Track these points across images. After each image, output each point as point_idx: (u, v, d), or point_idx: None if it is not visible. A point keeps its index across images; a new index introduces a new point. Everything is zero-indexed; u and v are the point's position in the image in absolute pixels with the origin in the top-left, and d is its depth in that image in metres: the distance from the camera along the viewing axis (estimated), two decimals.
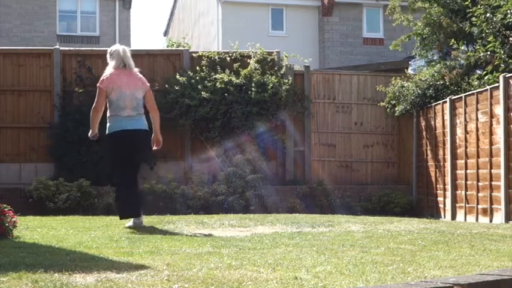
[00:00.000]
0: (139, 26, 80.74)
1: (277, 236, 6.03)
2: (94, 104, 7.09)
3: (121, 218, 7.15)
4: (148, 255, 4.61)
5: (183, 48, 14.64)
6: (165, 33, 33.47)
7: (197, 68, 12.63)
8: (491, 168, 9.64)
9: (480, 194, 10.00)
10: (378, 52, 23.27)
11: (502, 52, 10.24)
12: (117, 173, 7.09)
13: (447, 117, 11.26)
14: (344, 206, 11.85)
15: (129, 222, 7.05)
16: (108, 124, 7.07)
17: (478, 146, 10.12)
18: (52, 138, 12.19)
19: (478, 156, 10.11)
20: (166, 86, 12.46)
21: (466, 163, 10.50)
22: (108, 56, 7.28)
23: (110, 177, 7.24)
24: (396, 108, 12.82)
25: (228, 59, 12.86)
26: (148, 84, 7.28)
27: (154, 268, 3.94)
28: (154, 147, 7.27)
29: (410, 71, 14.18)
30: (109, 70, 7.11)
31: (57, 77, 12.41)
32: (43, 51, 13.04)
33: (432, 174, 11.99)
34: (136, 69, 7.33)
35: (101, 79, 7.08)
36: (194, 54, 13.00)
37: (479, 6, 10.83)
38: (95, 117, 7.10)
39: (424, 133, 12.40)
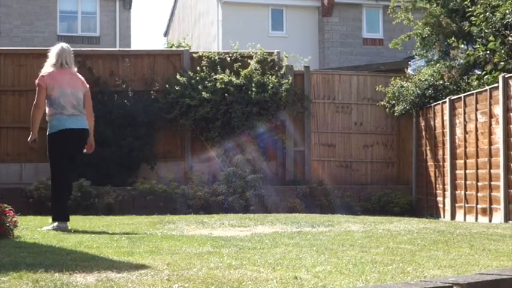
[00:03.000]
0: (140, 26, 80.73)
1: (277, 236, 6.04)
2: (35, 102, 6.90)
3: (54, 220, 6.84)
4: (149, 254, 4.62)
5: (183, 49, 14.66)
6: (165, 34, 33.46)
7: (197, 68, 12.64)
8: (490, 168, 9.65)
9: (479, 194, 10.01)
10: (378, 52, 23.27)
11: (502, 52, 10.24)
12: (59, 172, 6.94)
13: (447, 117, 11.27)
14: (344, 206, 11.86)
15: (49, 225, 6.82)
16: (50, 123, 6.91)
17: (477, 146, 10.13)
18: None
19: (477, 156, 10.12)
20: (167, 86, 12.48)
21: (465, 163, 10.51)
22: (50, 54, 7.08)
23: (53, 177, 6.98)
24: (396, 109, 12.84)
25: (228, 59, 12.87)
26: (87, 85, 7.16)
27: (155, 268, 3.95)
28: (85, 151, 7.15)
29: (410, 71, 14.18)
30: (48, 68, 6.97)
31: None
32: (44, 51, 12.89)
33: (432, 174, 12.00)
34: (75, 69, 7.16)
35: (40, 76, 6.93)
36: (194, 55, 13.02)
37: (478, 6, 10.84)
38: (36, 115, 6.91)
39: (423, 133, 12.41)
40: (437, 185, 11.77)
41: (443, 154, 11.46)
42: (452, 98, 11.21)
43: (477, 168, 10.09)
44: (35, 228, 6.84)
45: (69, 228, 6.78)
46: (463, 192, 10.57)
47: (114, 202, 11.30)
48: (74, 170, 7.10)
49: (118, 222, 7.67)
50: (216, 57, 12.83)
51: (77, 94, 6.94)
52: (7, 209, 5.93)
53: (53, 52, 7.02)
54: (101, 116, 12.01)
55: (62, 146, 6.88)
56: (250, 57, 12.89)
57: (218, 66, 12.64)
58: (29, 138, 7.03)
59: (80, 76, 7.17)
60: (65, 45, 7.13)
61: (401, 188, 12.88)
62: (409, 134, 13.04)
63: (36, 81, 6.95)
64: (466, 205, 10.46)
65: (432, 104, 12.00)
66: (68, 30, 24.81)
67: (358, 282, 3.51)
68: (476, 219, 10.02)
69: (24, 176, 12.16)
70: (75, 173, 7.08)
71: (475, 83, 11.31)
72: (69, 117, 6.86)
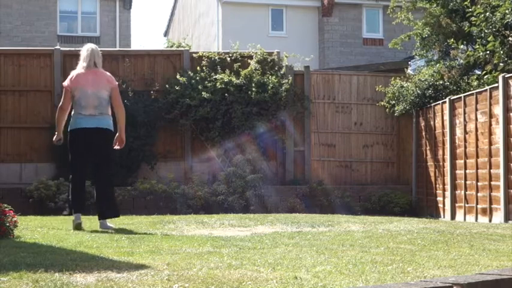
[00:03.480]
0: (140, 26, 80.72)
1: (277, 236, 6.04)
2: (60, 103, 7.15)
3: (69, 214, 7.13)
4: (149, 254, 4.62)
5: (183, 49, 14.66)
6: (165, 34, 33.47)
7: (197, 68, 12.65)
8: (490, 168, 9.65)
9: (479, 194, 10.01)
10: (378, 52, 23.27)
11: (501, 52, 10.24)
12: (72, 168, 7.12)
13: (446, 117, 11.27)
14: (344, 206, 11.86)
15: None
16: (70, 122, 7.11)
17: (477, 146, 10.13)
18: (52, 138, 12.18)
19: (477, 156, 10.12)
20: (167, 86, 12.48)
21: (465, 163, 10.51)
22: (80, 55, 7.21)
23: (71, 171, 7.18)
24: (396, 109, 12.84)
25: (228, 59, 12.87)
26: (116, 83, 7.22)
27: (155, 268, 3.95)
28: (117, 147, 7.19)
29: (409, 71, 14.19)
30: (78, 69, 7.13)
31: (58, 77, 12.42)
32: (44, 51, 13.06)
33: (432, 174, 12.01)
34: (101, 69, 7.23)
35: (67, 79, 7.15)
36: (194, 55, 13.02)
37: (478, 6, 10.83)
38: (60, 116, 7.13)
39: (423, 133, 12.41)
40: (437, 185, 11.77)
41: (443, 154, 11.46)
42: (452, 98, 11.21)
43: (477, 168, 10.09)
44: (34, 228, 6.84)
45: (79, 221, 6.92)
46: (463, 192, 10.57)
47: None
48: (105, 168, 7.12)
49: (118, 222, 7.67)
50: (216, 57, 12.83)
51: (99, 93, 7.01)
52: (7, 209, 5.93)
53: (83, 53, 7.16)
54: None
55: (74, 145, 7.05)
56: (250, 57, 12.90)
57: (218, 66, 12.65)
58: (54, 138, 7.21)
59: (107, 75, 7.17)
60: (93, 46, 7.27)
61: (401, 188, 12.88)
62: (409, 134, 13.05)
63: (63, 83, 7.18)
64: (466, 205, 10.46)
65: (432, 104, 12.00)
66: (68, 30, 24.80)
67: (358, 282, 3.51)
68: (476, 219, 10.02)
69: (24, 176, 12.17)
70: (108, 170, 7.16)
71: (475, 83, 11.31)
72: (85, 117, 6.99)
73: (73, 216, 7.02)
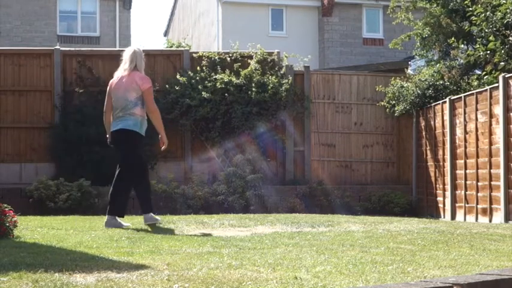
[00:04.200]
0: (140, 26, 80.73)
1: (277, 236, 6.03)
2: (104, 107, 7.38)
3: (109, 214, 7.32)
4: (149, 255, 4.62)
5: (183, 49, 14.65)
6: (165, 34, 33.46)
7: (197, 68, 12.64)
8: (490, 168, 9.65)
9: (480, 194, 10.01)
10: (378, 52, 23.27)
11: (502, 52, 10.24)
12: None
13: (447, 117, 11.27)
14: (344, 206, 11.86)
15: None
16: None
17: (477, 146, 10.13)
18: (52, 138, 12.20)
19: (477, 156, 10.12)
20: (167, 86, 12.48)
21: (465, 163, 10.51)
22: (123, 57, 7.36)
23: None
24: (396, 109, 12.83)
25: (228, 59, 12.87)
26: (149, 85, 7.18)
27: (155, 268, 3.95)
28: (163, 148, 7.43)
29: (410, 71, 14.18)
30: (119, 72, 7.29)
31: (58, 77, 12.42)
32: (43, 51, 13.05)
33: (432, 174, 12.00)
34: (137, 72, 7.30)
35: (110, 82, 7.36)
36: (194, 55, 13.01)
37: (478, 6, 10.83)
38: (105, 119, 7.36)
39: (423, 133, 12.41)
40: (437, 185, 11.77)
41: (444, 154, 11.45)
42: (452, 98, 11.21)
43: (477, 168, 10.09)
44: (34, 228, 6.84)
45: (122, 224, 7.13)
46: (463, 192, 10.57)
47: None
48: (123, 167, 7.32)
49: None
50: (216, 57, 12.83)
51: (126, 96, 7.09)
52: (7, 209, 5.93)
53: (125, 56, 7.25)
54: (101, 116, 12.00)
55: (114, 147, 7.33)
56: (250, 57, 12.89)
57: (218, 66, 12.64)
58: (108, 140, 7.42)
59: (138, 78, 7.15)
60: (135, 48, 7.37)
61: (401, 188, 12.88)
62: (409, 134, 13.04)
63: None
64: (466, 205, 10.46)
65: (432, 104, 11.99)
66: (68, 30, 24.81)
67: (358, 282, 3.51)
68: (477, 219, 10.02)
69: (24, 176, 12.16)
70: (125, 171, 7.34)
71: (475, 83, 11.31)
72: (115, 119, 7.17)
73: (105, 218, 7.24)
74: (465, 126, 10.59)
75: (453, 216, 10.90)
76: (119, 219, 7.17)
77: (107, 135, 7.36)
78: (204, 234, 6.43)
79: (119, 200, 7.23)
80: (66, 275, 3.67)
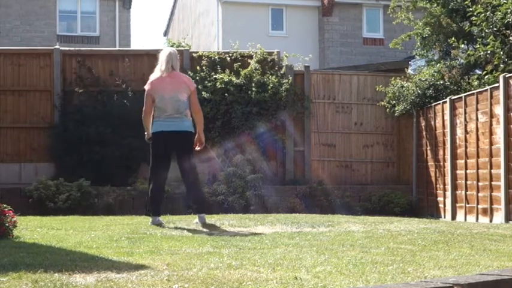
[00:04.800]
0: (139, 26, 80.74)
1: (277, 236, 6.02)
2: (143, 107, 7.35)
3: (146, 214, 7.49)
4: (149, 255, 4.61)
5: (183, 48, 14.63)
6: (165, 33, 33.47)
7: (197, 68, 12.63)
8: (491, 168, 9.64)
9: (480, 194, 10.00)
10: (378, 52, 23.27)
11: (502, 52, 10.23)
12: (153, 171, 7.31)
13: (447, 117, 11.26)
14: (344, 206, 11.85)
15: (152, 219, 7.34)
16: (153, 125, 7.32)
17: (478, 146, 10.12)
18: (52, 138, 12.19)
19: (478, 156, 10.11)
20: None
21: (466, 163, 10.50)
22: (159, 58, 7.41)
23: (151, 173, 7.43)
24: (396, 108, 12.82)
25: (228, 59, 12.86)
26: (195, 85, 7.45)
27: (155, 268, 3.94)
28: (197, 148, 7.44)
29: (410, 71, 14.18)
30: (156, 73, 7.34)
31: (58, 77, 12.41)
32: (43, 51, 13.04)
33: (432, 174, 11.99)
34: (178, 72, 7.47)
35: (148, 83, 7.35)
36: (194, 54, 13.00)
37: (479, 6, 10.82)
38: (145, 120, 7.36)
39: (424, 133, 12.40)
40: (437, 185, 11.76)
41: (444, 154, 11.45)
42: (452, 97, 11.20)
43: (478, 168, 10.08)
44: (34, 229, 6.83)
45: (162, 222, 7.28)
46: (463, 192, 10.56)
47: (114, 202, 11.30)
48: (189, 169, 7.37)
49: (118, 222, 7.66)
50: (216, 57, 12.82)
51: (177, 97, 7.18)
52: (6, 209, 5.92)
53: (161, 57, 7.32)
54: (100, 116, 12.06)
55: (156, 148, 7.26)
56: (250, 57, 12.88)
57: (218, 66, 12.63)
58: (145, 137, 7.44)
59: (185, 78, 7.42)
60: (171, 49, 7.48)
61: (401, 188, 12.87)
62: (409, 134, 13.03)
63: (145, 87, 7.37)
64: (467, 205, 10.45)
65: (433, 104, 11.98)
66: (68, 30, 24.81)
67: (359, 282, 3.50)
68: (477, 219, 10.01)
69: (24, 176, 12.15)
70: (192, 171, 7.43)
71: (476, 82, 11.30)
72: (165, 120, 7.20)
73: (150, 219, 7.32)
74: (465, 126, 10.58)
75: (453, 217, 10.89)
76: (159, 218, 7.40)
77: (149, 136, 7.35)
78: (204, 234, 6.42)
79: (202, 196, 7.49)
80: (66, 275, 3.66)
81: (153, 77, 7.33)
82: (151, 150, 7.33)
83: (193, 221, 7.58)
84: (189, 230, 6.78)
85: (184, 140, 7.24)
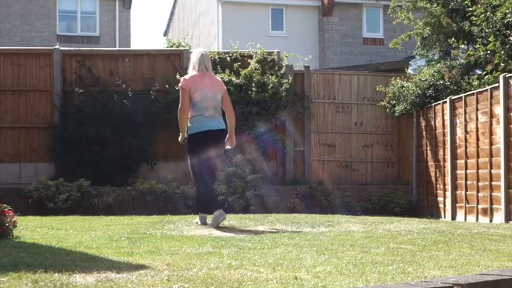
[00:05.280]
0: (139, 26, 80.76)
1: (277, 236, 6.02)
2: (180, 106, 7.22)
3: (200, 213, 7.44)
4: (148, 255, 4.61)
5: (183, 48, 14.64)
6: (165, 33, 33.47)
7: None
8: (491, 168, 9.64)
9: (480, 194, 10.00)
10: (378, 52, 23.27)
11: (502, 52, 10.23)
12: (199, 171, 7.28)
13: (447, 117, 11.26)
14: (344, 206, 11.84)
15: (197, 218, 7.45)
16: (191, 125, 7.21)
17: (478, 146, 10.12)
18: (52, 138, 12.19)
19: (478, 156, 10.11)
20: (167, 86, 12.45)
21: (466, 163, 10.50)
22: (191, 59, 7.45)
23: (194, 174, 7.42)
24: (396, 108, 12.82)
25: (228, 59, 12.85)
26: (225, 87, 7.56)
27: (155, 268, 3.94)
28: (228, 147, 7.47)
29: (410, 71, 14.17)
30: (190, 72, 7.36)
31: (57, 77, 12.41)
32: (43, 51, 13.04)
33: (432, 174, 11.99)
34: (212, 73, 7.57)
35: (183, 79, 7.29)
36: None
37: (479, 6, 10.82)
38: (183, 118, 7.24)
39: (424, 133, 12.40)
40: (437, 185, 11.76)
41: (444, 154, 11.44)
42: (452, 97, 11.20)
43: (478, 168, 10.08)
44: (34, 229, 6.83)
45: (205, 222, 7.27)
46: (463, 192, 10.56)
47: (114, 202, 11.30)
48: (215, 168, 7.53)
49: (118, 222, 7.66)
50: (216, 57, 12.81)
51: (216, 96, 7.27)
52: (6, 209, 5.92)
53: (194, 58, 7.38)
54: (100, 116, 12.05)
55: (201, 146, 7.19)
56: (250, 57, 12.88)
57: (218, 66, 12.62)
58: (179, 139, 7.38)
59: (218, 79, 7.63)
60: (203, 50, 7.51)
61: (401, 188, 12.86)
62: (409, 134, 13.03)
63: (180, 84, 7.30)
64: (467, 205, 10.45)
65: (433, 104, 11.98)
66: (68, 30, 24.81)
67: (359, 282, 3.50)
68: (477, 219, 10.01)
69: (24, 176, 12.15)
70: (216, 171, 7.65)
71: (476, 82, 11.30)
72: (208, 118, 7.20)
73: (197, 216, 7.41)
74: (465, 126, 10.58)
75: (453, 217, 10.89)
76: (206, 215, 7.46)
77: (183, 137, 7.31)
78: (204, 235, 6.42)
79: (208, 197, 7.47)
80: (66, 275, 3.66)
81: (188, 75, 7.32)
82: (191, 150, 7.26)
83: (193, 220, 7.58)
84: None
85: (221, 138, 7.32)
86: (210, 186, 7.44)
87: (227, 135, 7.40)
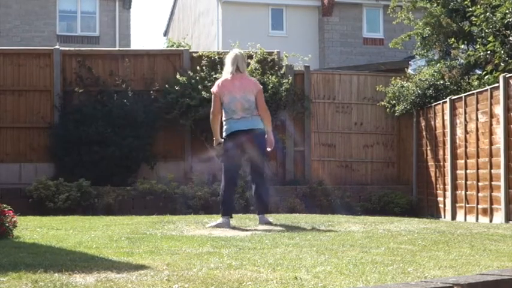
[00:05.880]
0: (139, 26, 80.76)
1: (277, 236, 6.02)
2: (211, 109, 7.39)
3: (222, 215, 7.34)
4: (148, 255, 4.61)
5: (183, 48, 14.64)
6: (165, 33, 33.47)
7: (197, 68, 12.62)
8: (491, 168, 9.63)
9: (480, 194, 10.00)
10: (378, 52, 23.26)
11: (502, 52, 10.23)
12: (226, 172, 7.34)
13: (447, 117, 11.26)
14: (344, 206, 11.84)
15: (214, 221, 7.32)
16: (224, 127, 7.34)
17: (478, 146, 10.12)
18: (52, 138, 12.19)
19: (478, 156, 10.10)
20: (167, 86, 12.45)
21: (466, 163, 10.49)
22: (225, 61, 7.53)
23: (224, 176, 7.43)
24: (396, 108, 12.82)
25: None
26: (261, 87, 7.53)
27: (154, 268, 3.94)
28: (268, 148, 7.49)
29: (410, 71, 14.17)
30: (224, 75, 7.46)
31: (57, 77, 12.41)
32: (43, 51, 13.04)
33: (432, 174, 11.99)
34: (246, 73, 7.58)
35: (215, 85, 7.43)
36: (194, 54, 12.99)
37: (478, 6, 10.82)
38: (214, 122, 7.39)
39: (424, 133, 12.40)
40: (437, 185, 11.76)
41: (444, 154, 11.44)
42: (452, 97, 11.20)
43: (478, 168, 10.08)
44: (34, 229, 6.83)
45: (231, 223, 7.24)
46: (463, 192, 10.55)
47: (114, 202, 11.30)
48: (261, 166, 7.44)
49: (118, 222, 7.66)
50: (216, 57, 12.80)
51: (247, 97, 7.29)
52: (6, 209, 5.92)
53: (227, 60, 7.46)
54: (100, 116, 12.04)
55: (229, 149, 7.27)
56: (250, 57, 12.86)
57: (218, 66, 12.62)
58: (214, 143, 7.50)
59: (251, 79, 7.64)
60: (237, 51, 7.56)
61: (401, 188, 12.86)
62: (409, 134, 13.03)
63: (211, 89, 7.46)
64: (467, 205, 10.45)
65: (433, 104, 11.98)
66: (68, 30, 24.81)
67: (359, 282, 3.50)
68: (477, 219, 10.01)
69: (24, 176, 12.14)
70: (263, 169, 7.52)
71: (476, 82, 11.29)
72: (238, 120, 7.26)
73: (221, 219, 7.23)
74: (465, 126, 10.58)
75: (453, 217, 10.89)
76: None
77: (217, 141, 7.37)
78: (204, 235, 6.42)
79: (265, 197, 7.46)
80: (66, 275, 3.66)
81: (220, 79, 7.44)
82: (225, 151, 7.33)
83: (192, 220, 7.57)
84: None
85: (257, 138, 7.30)
86: (260, 190, 7.37)
87: (265, 135, 7.43)
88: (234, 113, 7.24)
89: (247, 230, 6.91)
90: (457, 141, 10.92)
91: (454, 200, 10.95)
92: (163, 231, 6.69)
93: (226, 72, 7.40)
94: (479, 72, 11.68)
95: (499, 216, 9.32)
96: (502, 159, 9.23)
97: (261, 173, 7.41)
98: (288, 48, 15.17)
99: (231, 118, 7.26)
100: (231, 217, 7.34)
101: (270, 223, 7.32)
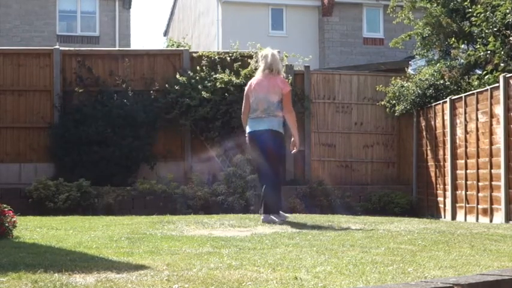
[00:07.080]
0: (139, 26, 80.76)
1: (277, 236, 6.02)
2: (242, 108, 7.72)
3: (264, 213, 7.49)
4: (148, 255, 4.61)
5: (183, 48, 14.64)
6: (165, 33, 33.47)
7: (197, 68, 12.62)
8: (491, 168, 9.63)
9: (480, 194, 9.99)
10: (378, 52, 23.27)
11: (502, 52, 10.23)
12: (256, 169, 7.69)
13: (447, 117, 11.26)
14: (344, 206, 11.84)
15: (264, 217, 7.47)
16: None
17: (478, 146, 10.11)
18: (52, 138, 12.18)
19: (478, 156, 10.10)
20: (167, 86, 12.45)
21: (466, 163, 10.49)
22: (258, 58, 7.73)
23: (257, 173, 7.78)
24: (396, 108, 12.82)
25: (228, 59, 12.85)
26: (289, 88, 7.57)
27: (154, 268, 3.94)
28: (294, 151, 7.60)
29: (410, 70, 14.17)
30: (256, 74, 7.66)
31: (57, 77, 12.41)
32: (43, 51, 13.04)
33: (432, 174, 11.99)
34: (282, 74, 7.79)
35: (248, 83, 7.67)
36: (194, 54, 12.99)
37: (478, 6, 10.82)
38: (243, 120, 7.73)
39: (424, 133, 12.40)
40: (437, 185, 11.76)
41: (444, 154, 11.44)
42: (452, 97, 11.19)
43: (478, 168, 10.08)
44: (34, 229, 6.82)
45: (275, 219, 7.39)
46: (463, 192, 10.55)
47: (114, 202, 11.29)
48: (274, 167, 7.45)
49: (118, 223, 7.65)
50: (216, 57, 12.81)
51: (269, 98, 7.40)
52: (6, 209, 5.92)
53: (260, 59, 7.68)
54: (100, 116, 12.04)
55: (251, 147, 7.61)
56: (250, 57, 12.86)
57: (218, 66, 12.62)
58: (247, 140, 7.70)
59: (279, 81, 7.56)
60: (271, 51, 7.70)
61: (401, 188, 12.86)
62: (409, 134, 13.03)
63: (245, 88, 7.73)
64: (467, 205, 10.45)
65: (433, 104, 11.98)
66: (68, 30, 24.81)
67: (359, 282, 3.50)
68: (477, 219, 10.01)
69: (23, 176, 12.14)
70: (276, 169, 7.54)
71: (476, 82, 11.29)
72: (254, 119, 7.45)
73: (261, 216, 7.44)
74: (466, 126, 10.57)
75: (454, 217, 10.89)
76: (272, 216, 7.48)
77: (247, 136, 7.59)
78: (204, 235, 6.42)
79: (272, 198, 7.49)
80: (66, 275, 3.66)
81: (253, 78, 7.65)
82: (250, 150, 7.65)
83: (192, 220, 7.57)
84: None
85: (270, 139, 7.35)
86: (269, 190, 7.44)
87: (292, 140, 7.53)
88: (254, 111, 7.43)
89: (247, 230, 6.91)
90: (457, 141, 10.92)
91: (454, 200, 10.95)
92: (163, 231, 6.68)
93: (259, 71, 7.60)
94: (479, 72, 11.68)
95: (499, 216, 9.32)
96: (502, 159, 9.23)
97: (267, 174, 7.43)
98: (288, 48, 15.16)
99: (250, 118, 7.48)
100: (278, 213, 7.48)
101: (273, 221, 7.38)
